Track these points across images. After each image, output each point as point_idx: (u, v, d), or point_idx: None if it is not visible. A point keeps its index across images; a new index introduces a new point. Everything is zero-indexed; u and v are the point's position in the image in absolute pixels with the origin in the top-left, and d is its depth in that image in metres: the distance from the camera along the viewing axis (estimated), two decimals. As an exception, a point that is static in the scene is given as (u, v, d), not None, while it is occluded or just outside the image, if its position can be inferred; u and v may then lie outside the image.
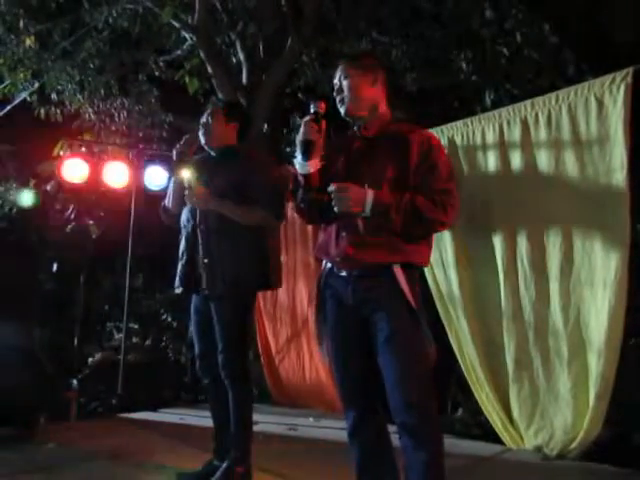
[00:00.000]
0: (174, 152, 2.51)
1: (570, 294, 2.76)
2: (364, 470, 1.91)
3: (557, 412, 2.78)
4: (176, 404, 4.50)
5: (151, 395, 4.75)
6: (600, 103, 2.70)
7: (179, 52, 5.57)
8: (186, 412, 4.07)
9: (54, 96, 6.08)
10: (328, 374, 4.06)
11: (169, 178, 2.76)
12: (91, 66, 6.04)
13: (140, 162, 4.76)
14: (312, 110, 1.86)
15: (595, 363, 2.64)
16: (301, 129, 1.83)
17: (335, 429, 3.49)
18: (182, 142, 2.52)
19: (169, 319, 6.43)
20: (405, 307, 1.79)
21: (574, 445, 2.73)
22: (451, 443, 3.07)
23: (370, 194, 1.77)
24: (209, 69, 5.08)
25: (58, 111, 6.27)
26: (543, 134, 2.90)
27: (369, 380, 1.89)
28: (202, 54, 5.09)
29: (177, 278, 2.53)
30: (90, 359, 5.50)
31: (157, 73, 6.12)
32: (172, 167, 2.57)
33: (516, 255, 2.96)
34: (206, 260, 2.42)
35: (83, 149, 5.97)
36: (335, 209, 1.79)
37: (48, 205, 6.59)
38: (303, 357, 4.27)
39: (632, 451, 2.92)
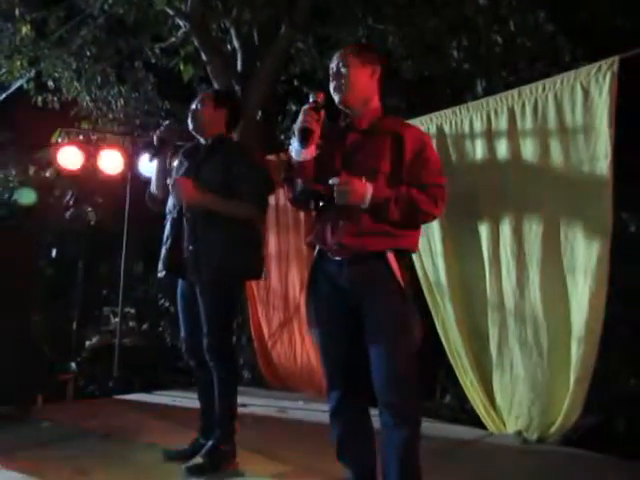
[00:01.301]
0: (154, 138, 2.54)
1: (551, 282, 2.80)
2: (343, 449, 1.98)
3: (536, 399, 2.83)
4: (171, 387, 4.58)
5: (147, 378, 4.84)
6: (586, 92, 2.71)
7: (174, 39, 5.56)
8: (180, 395, 4.15)
9: (51, 84, 6.09)
10: (318, 359, 4.12)
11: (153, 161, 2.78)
12: (87, 54, 6.05)
13: (134, 149, 4.82)
14: (311, 99, 1.91)
15: (575, 349, 2.68)
16: (300, 117, 1.88)
17: (324, 412, 3.52)
18: (163, 128, 2.55)
19: (166, 304, 6.50)
20: (397, 290, 1.87)
21: (553, 430, 2.79)
22: (436, 427, 3.16)
23: (369, 188, 1.85)
24: (203, 56, 5.08)
25: (55, 99, 6.29)
26: (529, 123, 2.91)
27: (353, 362, 1.95)
28: (196, 41, 5.09)
29: (160, 262, 2.57)
30: (87, 342, 5.59)
31: (153, 60, 6.11)
32: (153, 153, 2.58)
33: (500, 243, 3.00)
34: (191, 247, 2.45)
35: (80, 137, 6.03)
36: (336, 201, 1.86)
37: (47, 191, 6.66)
38: (295, 342, 4.33)
39: (614, 438, 2.99)
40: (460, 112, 3.22)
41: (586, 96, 2.71)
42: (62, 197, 6.96)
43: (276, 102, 5.78)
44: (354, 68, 1.96)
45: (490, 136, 3.08)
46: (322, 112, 1.89)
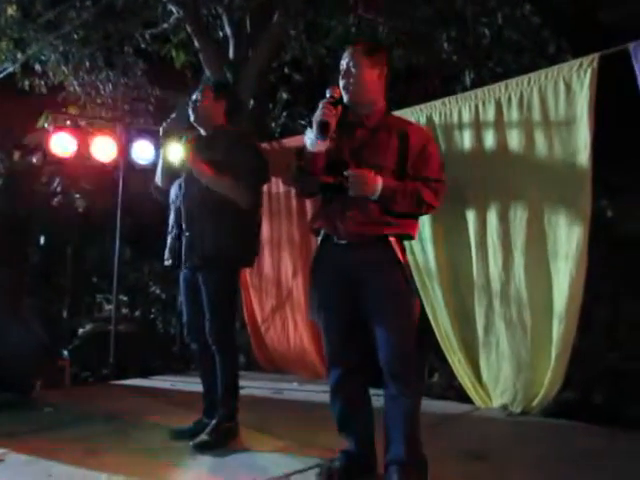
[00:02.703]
0: (161, 129, 2.64)
1: (535, 266, 2.97)
2: (344, 422, 2.15)
3: (520, 374, 3.02)
4: (166, 373, 4.68)
5: (141, 364, 4.92)
6: (568, 86, 2.85)
7: (165, 26, 5.56)
8: (176, 379, 4.26)
9: (38, 67, 6.04)
10: (311, 342, 4.26)
11: (158, 153, 2.87)
12: (75, 37, 6.00)
13: (127, 136, 4.84)
14: (328, 94, 2.02)
15: (556, 328, 2.86)
16: (319, 110, 1.99)
17: (317, 392, 3.71)
18: (169, 120, 2.63)
19: (157, 291, 6.56)
20: (398, 270, 2.03)
21: (536, 402, 2.99)
22: (426, 404, 3.28)
23: (380, 180, 2.00)
24: (196, 43, 5.10)
25: (42, 82, 6.24)
26: (515, 114, 3.05)
27: (354, 341, 2.10)
28: (188, 28, 5.10)
29: (167, 251, 2.67)
30: (81, 330, 5.63)
31: (143, 46, 6.10)
32: (160, 144, 2.66)
33: (487, 229, 3.15)
34: (187, 234, 2.56)
35: (68, 122, 6.00)
36: (350, 192, 2.00)
37: (34, 178, 6.62)
38: (287, 326, 4.45)
39: (593, 409, 3.19)
40: (449, 103, 3.35)
41: (568, 90, 2.86)
42: (49, 184, 6.93)
43: (268, 90, 5.83)
44: (364, 68, 2.08)
45: (478, 127, 3.22)
46: (339, 107, 2.01)
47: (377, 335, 2.01)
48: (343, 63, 2.12)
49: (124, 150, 4.78)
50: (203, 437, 2.52)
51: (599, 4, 4.57)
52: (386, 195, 2.01)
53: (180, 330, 6.03)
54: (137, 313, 6.54)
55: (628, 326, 3.51)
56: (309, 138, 2.02)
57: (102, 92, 6.48)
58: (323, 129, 1.96)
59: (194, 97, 2.66)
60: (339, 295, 2.08)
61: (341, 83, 2.11)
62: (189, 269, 2.63)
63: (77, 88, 6.35)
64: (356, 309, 2.06)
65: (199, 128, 2.69)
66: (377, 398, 2.13)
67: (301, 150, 2.10)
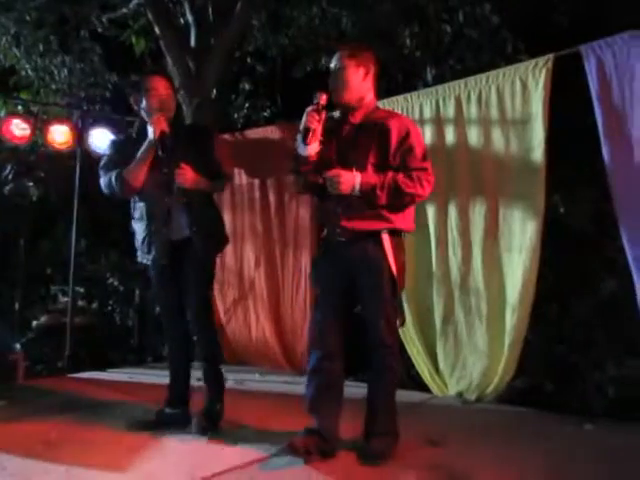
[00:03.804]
0: (154, 127, 2.47)
1: (491, 258, 3.08)
2: (315, 402, 2.26)
3: (476, 362, 3.14)
4: (124, 365, 4.62)
5: (98, 357, 4.83)
6: (524, 85, 2.97)
7: (125, 10, 5.41)
8: (134, 371, 4.20)
9: (-13, 50, 5.79)
10: (273, 334, 4.29)
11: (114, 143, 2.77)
12: (28, 19, 5.77)
13: (84, 123, 4.70)
14: (315, 101, 2.17)
15: (510, 318, 2.98)
16: (304, 117, 2.16)
17: (279, 383, 3.76)
18: (158, 117, 2.50)
19: (115, 283, 6.43)
20: (386, 267, 2.17)
21: (489, 390, 3.11)
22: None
23: (358, 177, 2.13)
24: (156, 30, 4.99)
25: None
26: (474, 111, 3.15)
27: (338, 329, 2.26)
28: (149, 14, 4.98)
29: (161, 249, 2.59)
30: (35, 322, 5.47)
31: (100, 30, 5.92)
32: (150, 141, 2.49)
33: (447, 223, 3.25)
34: (194, 228, 2.58)
35: (19, 107, 5.78)
36: (329, 190, 2.16)
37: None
38: (250, 318, 4.45)
39: (543, 396, 3.34)
40: (411, 98, 3.42)
41: (524, 89, 2.97)
42: (0, 171, 6.67)
43: (230, 80, 5.77)
44: (349, 69, 2.20)
45: (439, 122, 3.30)
46: (323, 113, 2.15)
47: (366, 322, 2.23)
48: (331, 66, 2.26)
49: (81, 138, 4.66)
50: (200, 421, 2.56)
51: (555, 7, 4.73)
52: (366, 191, 2.13)
53: (139, 322, 5.96)
54: (94, 305, 6.39)
55: (577, 319, 3.68)
56: (298, 144, 2.18)
57: (57, 77, 6.25)
58: (306, 135, 2.14)
59: (156, 86, 2.56)
60: (334, 286, 2.26)
61: (330, 85, 2.25)
62: (174, 256, 2.61)
63: (30, 72, 6.10)
64: (346, 300, 2.25)
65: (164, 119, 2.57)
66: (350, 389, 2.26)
67: (296, 154, 2.25)
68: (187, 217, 2.57)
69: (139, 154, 2.52)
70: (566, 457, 2.33)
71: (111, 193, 2.59)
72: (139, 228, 2.65)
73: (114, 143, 2.77)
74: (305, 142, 2.16)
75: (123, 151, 2.61)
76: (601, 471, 2.18)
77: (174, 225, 2.58)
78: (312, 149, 2.18)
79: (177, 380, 2.71)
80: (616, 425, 2.74)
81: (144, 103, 2.56)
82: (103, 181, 2.60)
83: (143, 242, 2.63)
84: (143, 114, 2.60)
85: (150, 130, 2.49)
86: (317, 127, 2.15)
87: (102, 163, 2.66)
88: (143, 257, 2.66)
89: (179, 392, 2.69)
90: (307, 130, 2.14)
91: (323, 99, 2.17)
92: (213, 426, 2.57)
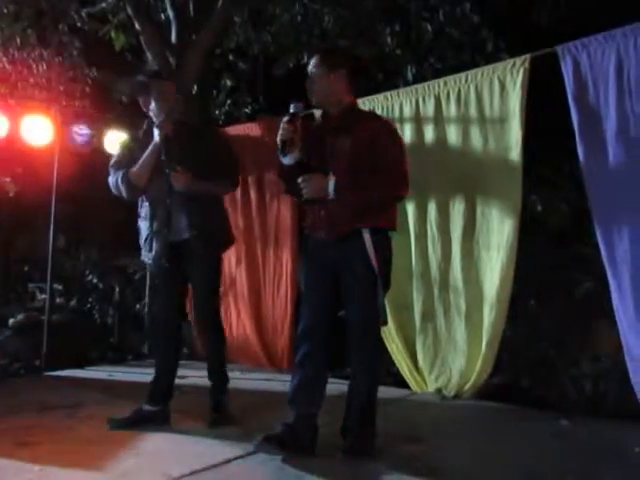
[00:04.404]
0: (159, 131, 2.55)
1: (470, 255, 3.11)
2: (296, 395, 2.29)
3: (455, 359, 3.17)
4: (102, 363, 4.56)
5: (77, 355, 4.77)
6: (502, 85, 3.00)
7: (104, 5, 5.33)
8: (113, 369, 4.16)
9: (-39, 42, 5.67)
10: (254, 331, 4.28)
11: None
12: (5, 12, 5.66)
13: (63, 118, 4.63)
14: (291, 110, 2.21)
15: (487, 315, 3.02)
16: (280, 129, 2.20)
17: (259, 380, 3.76)
18: (165, 122, 2.56)
19: (94, 280, 6.35)
20: (367, 267, 2.19)
21: (468, 387, 3.14)
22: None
23: (331, 180, 2.17)
24: (136, 25, 4.93)
25: (-34, 58, 5.85)
26: (453, 110, 3.18)
27: (323, 326, 2.29)
28: (129, 9, 4.93)
29: (160, 250, 2.65)
30: (11, 320, 5.37)
31: (79, 25, 5.83)
32: (156, 143, 2.57)
33: (426, 220, 3.27)
34: (194, 230, 2.62)
35: (-5, 101, 5.65)
36: (304, 195, 2.23)
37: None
38: (230, 315, 4.43)
39: (520, 392, 3.39)
40: (391, 97, 3.44)
41: (502, 88, 3.01)
42: (-25, 167, 6.54)
43: (211, 76, 5.73)
44: (323, 74, 2.25)
45: (418, 121, 3.32)
46: (298, 123, 2.19)
47: (348, 320, 2.27)
48: (309, 72, 2.30)
49: (60, 133, 4.59)
50: (214, 415, 2.66)
51: (534, 7, 4.79)
52: (340, 193, 2.17)
53: (118, 320, 5.90)
54: (73, 302, 6.31)
55: (553, 316, 3.74)
56: (279, 154, 2.23)
57: (35, 71, 6.14)
58: (283, 147, 2.20)
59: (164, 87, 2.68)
60: (319, 285, 2.33)
61: (308, 89, 2.30)
62: (175, 256, 2.67)
63: (7, 66, 5.99)
64: (331, 299, 2.30)
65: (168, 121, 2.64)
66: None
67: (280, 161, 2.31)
68: (187, 219, 2.63)
69: (144, 156, 2.61)
70: (542, 452, 2.37)
71: (119, 193, 2.68)
72: (143, 227, 2.73)
73: (124, 142, 2.89)
74: (284, 153, 2.22)
75: (132, 151, 2.70)
76: (575, 467, 2.21)
77: (174, 226, 2.64)
78: (292, 158, 2.24)
79: (162, 377, 2.73)
80: (592, 421, 2.79)
81: (153, 106, 2.65)
82: (111, 181, 2.69)
83: (146, 241, 2.71)
84: (152, 115, 2.68)
85: (156, 133, 2.57)
86: (293, 137, 2.19)
87: (112, 162, 2.76)
88: (145, 255, 2.74)
89: (163, 389, 2.70)
90: (282, 142, 2.20)
91: (298, 109, 2.23)
92: (224, 418, 2.67)
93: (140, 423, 2.59)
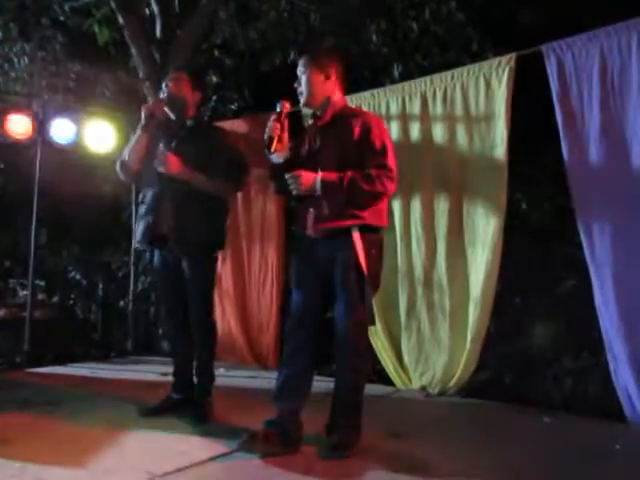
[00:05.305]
0: (143, 111, 2.61)
1: (455, 253, 3.13)
2: (281, 392, 2.29)
3: (439, 356, 3.19)
4: (86, 360, 4.51)
5: (59, 351, 4.71)
6: (488, 83, 3.02)
7: (87, -1, 5.26)
8: (97, 366, 4.12)
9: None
10: (239, 329, 4.26)
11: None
12: (-16, 5, 5.56)
13: (45, 113, 4.56)
14: (277, 109, 2.24)
15: (472, 313, 3.04)
16: (267, 127, 2.22)
17: (244, 377, 3.75)
18: (153, 102, 2.66)
19: (77, 276, 6.28)
20: (355, 265, 2.19)
21: (452, 384, 3.16)
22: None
23: (319, 177, 2.18)
24: (120, 19, 4.87)
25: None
26: (439, 108, 3.19)
27: (312, 323, 2.30)
28: (113, 3, 4.86)
29: (140, 234, 2.70)
30: (-8, 316, 5.29)
31: (62, 18, 5.74)
32: (141, 125, 2.62)
33: (411, 218, 3.28)
34: (174, 223, 2.59)
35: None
36: (292, 191, 2.24)
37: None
38: (215, 312, 4.40)
39: (504, 389, 3.42)
40: (378, 95, 3.44)
41: (488, 87, 3.02)
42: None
43: (197, 72, 5.67)
44: (310, 74, 2.29)
45: (405, 119, 3.33)
46: (286, 121, 2.22)
47: (335, 318, 2.26)
48: (298, 73, 2.33)
49: (41, 128, 4.52)
50: (199, 413, 2.67)
51: (520, 6, 4.81)
52: (327, 190, 2.19)
53: (102, 316, 5.83)
54: (55, 299, 6.23)
55: (536, 313, 3.78)
56: (266, 152, 2.24)
57: (17, 65, 6.04)
58: (270, 144, 2.20)
59: (167, 86, 2.70)
60: (307, 283, 2.32)
61: (297, 90, 2.33)
62: (172, 255, 2.69)
63: (-13, 60, 5.89)
64: (321, 295, 2.29)
65: (174, 117, 2.70)
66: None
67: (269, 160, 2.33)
68: (171, 211, 2.61)
69: (133, 138, 2.68)
70: (525, 449, 2.39)
71: (121, 177, 2.77)
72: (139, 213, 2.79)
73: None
74: (270, 150, 2.22)
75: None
76: (558, 463, 2.24)
77: (160, 216, 2.63)
78: (280, 156, 2.26)
79: (181, 373, 2.81)
80: (574, 418, 2.82)
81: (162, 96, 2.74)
82: (117, 166, 2.75)
83: (137, 226, 2.77)
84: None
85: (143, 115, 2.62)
86: (280, 135, 2.21)
87: (122, 152, 2.81)
88: (135, 242, 2.83)
89: (186, 377, 2.81)
90: (270, 139, 2.21)
91: (286, 107, 2.25)
92: (209, 416, 2.67)
93: (170, 411, 2.71)
